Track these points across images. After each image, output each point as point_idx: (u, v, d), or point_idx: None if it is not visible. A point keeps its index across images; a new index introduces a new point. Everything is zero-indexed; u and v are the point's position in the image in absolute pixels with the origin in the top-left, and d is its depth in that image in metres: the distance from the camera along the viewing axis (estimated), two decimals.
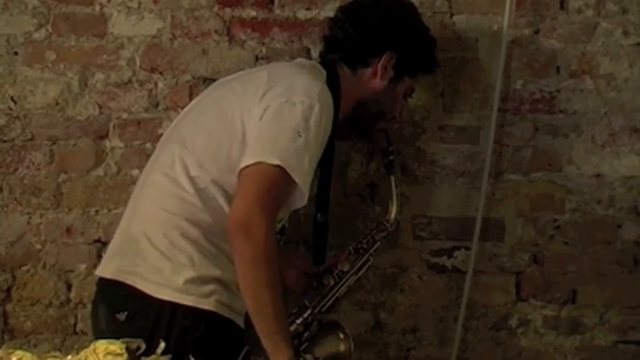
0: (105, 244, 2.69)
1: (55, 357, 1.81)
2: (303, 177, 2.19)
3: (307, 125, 2.20)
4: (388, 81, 2.48)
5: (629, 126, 2.79)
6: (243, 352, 2.29)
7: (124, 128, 2.75)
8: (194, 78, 2.74)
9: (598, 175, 2.79)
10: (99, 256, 2.71)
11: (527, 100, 2.78)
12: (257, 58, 2.74)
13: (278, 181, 2.16)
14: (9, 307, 2.78)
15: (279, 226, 2.36)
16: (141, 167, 2.56)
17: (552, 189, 2.80)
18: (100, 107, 2.75)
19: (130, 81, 2.75)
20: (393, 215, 2.62)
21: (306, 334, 2.45)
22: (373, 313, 2.82)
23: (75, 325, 2.79)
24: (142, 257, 2.26)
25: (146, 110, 2.75)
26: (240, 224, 2.12)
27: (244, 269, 2.15)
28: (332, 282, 2.54)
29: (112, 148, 2.76)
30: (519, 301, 2.83)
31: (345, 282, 2.55)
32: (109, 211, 2.76)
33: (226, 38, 2.74)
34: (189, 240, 2.24)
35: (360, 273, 2.58)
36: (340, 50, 2.50)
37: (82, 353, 1.79)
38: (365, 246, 2.60)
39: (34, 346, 2.76)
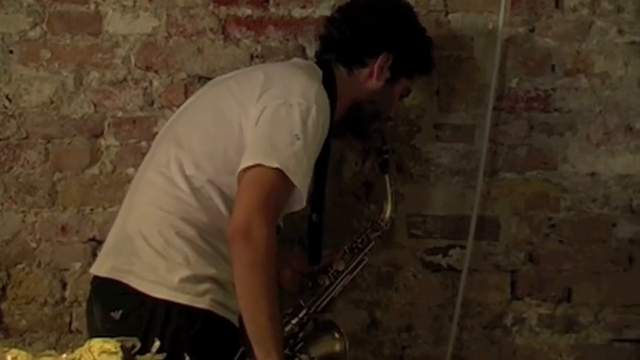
0: (100, 243, 2.69)
1: (50, 355, 1.81)
2: (301, 179, 2.19)
3: (305, 128, 2.20)
4: (384, 82, 2.48)
5: (624, 124, 2.79)
6: (239, 353, 2.28)
7: (119, 127, 2.75)
8: (189, 76, 2.74)
9: (593, 174, 2.80)
10: (94, 255, 2.71)
11: (523, 99, 2.78)
12: (252, 57, 2.74)
13: (277, 184, 2.16)
14: (4, 305, 2.78)
15: None
16: (136, 166, 2.56)
17: (547, 187, 2.80)
18: (95, 106, 2.75)
19: (125, 79, 2.74)
20: (387, 214, 2.62)
21: (301, 334, 2.45)
22: (368, 312, 2.82)
23: (70, 323, 2.79)
24: (137, 256, 2.25)
25: (141, 109, 2.75)
26: (240, 229, 2.12)
27: (242, 273, 2.14)
28: (327, 282, 2.54)
29: (107, 147, 2.76)
30: (514, 299, 2.83)
31: (340, 282, 2.55)
32: (104, 209, 2.76)
33: (221, 36, 2.74)
34: (185, 239, 2.24)
35: (355, 273, 2.58)
36: (336, 50, 2.50)
37: (77, 352, 1.78)
38: (360, 245, 2.60)
39: (29, 344, 2.75)
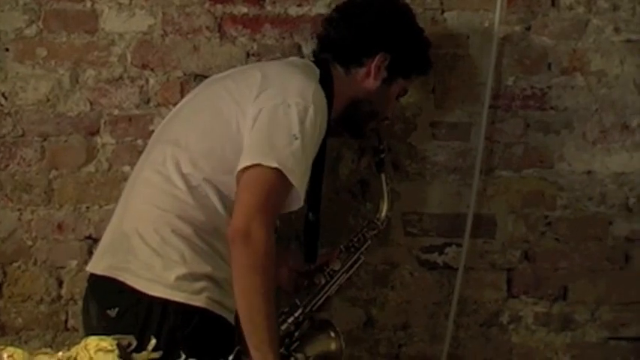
0: (96, 241, 2.68)
1: (47, 353, 1.80)
2: (299, 179, 2.19)
3: (303, 127, 2.20)
4: (381, 81, 2.48)
5: (620, 123, 2.79)
6: (234, 353, 2.28)
7: (115, 125, 2.75)
8: (185, 74, 2.74)
9: (589, 172, 2.80)
10: (90, 253, 2.71)
11: (519, 97, 2.78)
12: (248, 55, 2.74)
13: (276, 184, 2.16)
14: (0, 303, 2.78)
15: None
16: (132, 164, 2.56)
17: (543, 185, 2.80)
18: (91, 103, 2.75)
19: (121, 77, 2.74)
20: (383, 213, 2.63)
21: (297, 333, 2.45)
22: (364, 310, 2.82)
23: (66, 321, 2.79)
24: (133, 254, 2.25)
25: (137, 107, 2.75)
26: (240, 231, 2.12)
27: (241, 274, 2.14)
28: (323, 281, 2.54)
29: (103, 145, 2.75)
30: (510, 297, 2.83)
31: (336, 281, 2.55)
32: (100, 207, 2.75)
33: (217, 35, 2.74)
34: (181, 237, 2.24)
35: (351, 272, 2.59)
36: (334, 50, 2.50)
37: (73, 350, 1.78)
38: (356, 244, 2.60)
39: (25, 342, 2.75)
